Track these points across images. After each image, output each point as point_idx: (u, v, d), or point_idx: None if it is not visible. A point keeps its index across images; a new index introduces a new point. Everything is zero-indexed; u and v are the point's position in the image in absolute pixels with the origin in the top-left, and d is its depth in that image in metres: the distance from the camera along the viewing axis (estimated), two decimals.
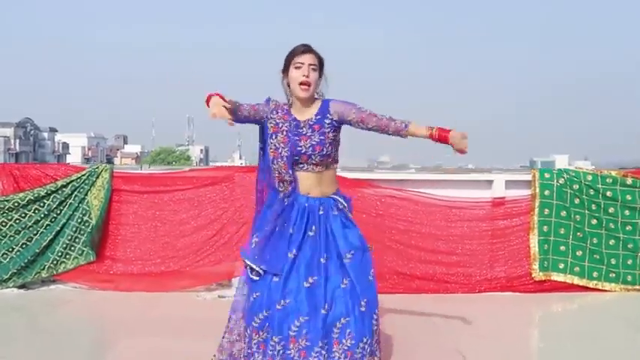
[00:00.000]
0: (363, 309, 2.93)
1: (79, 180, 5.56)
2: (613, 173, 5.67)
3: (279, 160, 3.07)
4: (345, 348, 2.90)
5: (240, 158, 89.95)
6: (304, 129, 3.08)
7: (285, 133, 3.08)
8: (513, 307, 5.23)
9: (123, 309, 5.04)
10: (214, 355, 3.20)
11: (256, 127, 3.16)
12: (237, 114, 2.96)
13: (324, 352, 2.89)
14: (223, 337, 3.16)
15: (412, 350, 3.85)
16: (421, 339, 4.09)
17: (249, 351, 2.96)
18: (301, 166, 3.08)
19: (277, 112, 3.11)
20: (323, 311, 2.90)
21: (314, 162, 3.07)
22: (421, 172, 6.44)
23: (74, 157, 77.69)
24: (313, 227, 3.04)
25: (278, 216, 3.08)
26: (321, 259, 3.00)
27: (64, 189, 5.55)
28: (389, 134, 3.10)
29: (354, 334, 2.89)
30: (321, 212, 3.09)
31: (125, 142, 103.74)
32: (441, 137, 2.96)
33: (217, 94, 2.87)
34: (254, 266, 2.99)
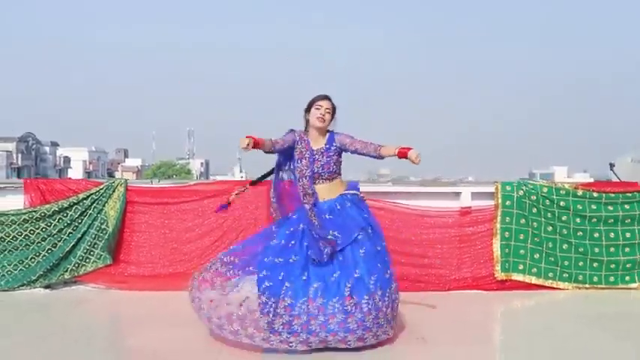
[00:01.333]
0: (357, 275, 3.96)
1: (97, 193, 5.98)
2: (566, 186, 6.15)
3: (304, 178, 4.25)
4: (355, 302, 3.86)
5: (241, 172, 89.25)
6: (317, 155, 4.28)
7: (307, 159, 4.26)
8: (478, 304, 5.68)
9: (136, 306, 5.46)
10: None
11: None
12: (275, 147, 4.14)
13: (337, 305, 3.83)
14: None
15: (388, 340, 4.15)
16: (397, 332, 4.35)
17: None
18: (317, 181, 4.28)
19: (301, 143, 4.28)
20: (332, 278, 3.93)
21: (324, 177, 4.29)
22: (397, 185, 6.94)
23: (75, 172, 76.30)
24: (332, 217, 4.19)
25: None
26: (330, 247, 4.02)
27: (84, 201, 5.96)
28: (370, 157, 4.24)
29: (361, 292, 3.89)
30: (338, 207, 4.24)
31: (126, 156, 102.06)
32: (401, 154, 4.07)
33: (250, 137, 3.93)
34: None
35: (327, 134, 4.34)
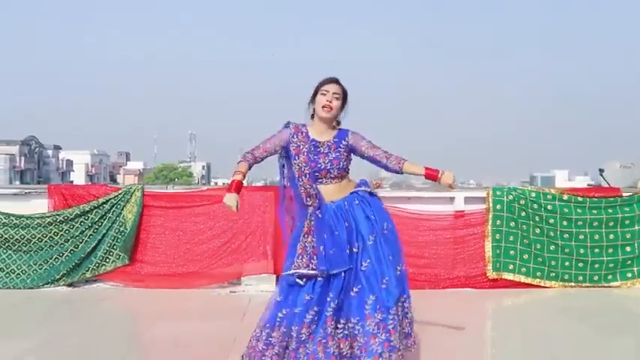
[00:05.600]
0: (384, 286, 3.34)
1: (116, 197, 6.34)
2: (552, 191, 6.52)
3: (304, 177, 3.49)
4: (378, 320, 3.28)
5: None
6: (322, 148, 3.51)
7: (305, 154, 3.49)
8: (471, 301, 5.98)
9: (153, 302, 5.78)
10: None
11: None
12: (257, 160, 3.53)
13: (358, 326, 3.29)
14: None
15: None
16: None
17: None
18: (321, 180, 3.50)
19: (297, 136, 3.53)
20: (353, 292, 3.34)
21: (332, 175, 3.51)
22: (395, 190, 7.31)
23: (78, 175, 76.34)
24: (346, 223, 3.44)
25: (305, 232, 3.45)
26: (355, 249, 3.40)
27: (104, 205, 6.31)
28: (388, 168, 3.58)
29: (381, 307, 3.29)
30: (346, 207, 3.49)
31: (128, 159, 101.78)
32: (429, 176, 3.55)
33: (232, 187, 3.44)
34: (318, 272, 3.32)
35: (338, 130, 3.62)
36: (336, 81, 3.58)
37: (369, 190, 3.60)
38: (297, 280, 3.36)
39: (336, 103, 3.53)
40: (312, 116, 3.60)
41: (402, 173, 3.59)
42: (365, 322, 3.30)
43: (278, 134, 3.58)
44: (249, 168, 3.56)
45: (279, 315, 3.39)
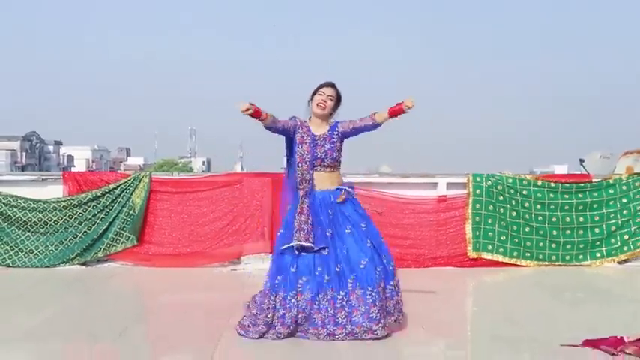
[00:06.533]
0: (362, 267, 3.90)
1: (126, 183, 6.77)
2: (528, 177, 6.96)
3: (304, 164, 4.08)
4: (358, 295, 3.84)
5: (242, 170, 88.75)
6: (319, 141, 4.10)
7: (307, 144, 4.08)
8: (453, 278, 6.39)
9: (159, 280, 6.15)
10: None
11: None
12: (275, 124, 4.00)
13: (345, 299, 3.87)
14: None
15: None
16: None
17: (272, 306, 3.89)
18: (317, 168, 4.09)
19: (302, 129, 4.12)
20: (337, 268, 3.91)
21: (326, 164, 4.10)
22: (383, 176, 7.70)
23: (78, 170, 76.44)
24: (329, 211, 4.06)
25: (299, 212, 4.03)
26: (328, 232, 3.99)
27: (115, 190, 6.74)
28: (369, 129, 4.11)
29: (361, 284, 3.86)
30: (332, 199, 4.09)
31: (128, 155, 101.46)
32: (393, 112, 4.01)
33: (255, 106, 3.82)
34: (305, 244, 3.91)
35: (331, 124, 4.18)
36: (332, 85, 4.17)
37: (351, 190, 4.21)
38: (295, 250, 3.93)
39: (329, 103, 4.14)
40: (309, 113, 4.20)
41: (380, 124, 4.11)
42: (349, 296, 3.87)
43: (290, 120, 4.14)
44: (269, 118, 3.95)
45: (275, 282, 3.95)
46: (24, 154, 70.58)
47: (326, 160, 4.11)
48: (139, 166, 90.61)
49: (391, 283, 4.02)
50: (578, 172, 9.03)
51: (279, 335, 3.89)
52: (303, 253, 3.95)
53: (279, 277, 3.95)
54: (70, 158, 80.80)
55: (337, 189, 4.14)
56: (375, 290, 3.86)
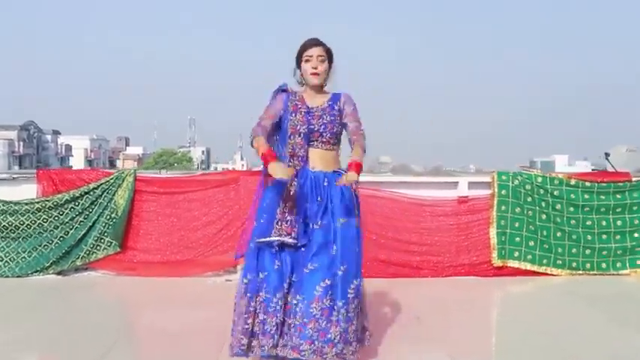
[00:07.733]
0: (340, 273, 3.21)
1: (107, 183, 6.16)
2: (560, 175, 6.35)
3: (297, 135, 3.38)
4: (325, 307, 3.15)
5: (242, 159, 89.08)
6: (315, 112, 3.41)
7: (302, 114, 3.39)
8: (476, 289, 5.86)
9: (145, 291, 5.66)
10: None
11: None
12: (268, 129, 3.36)
13: (301, 305, 3.18)
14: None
15: (387, 319, 4.45)
16: (394, 313, 4.63)
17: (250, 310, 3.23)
18: (312, 143, 3.39)
19: (294, 96, 3.47)
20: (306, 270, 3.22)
21: (324, 139, 3.39)
22: (397, 175, 7.17)
23: (77, 159, 76.23)
24: (319, 198, 3.33)
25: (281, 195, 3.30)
26: (316, 226, 3.29)
27: (95, 190, 6.13)
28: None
29: (334, 295, 3.17)
30: (325, 184, 3.35)
31: (127, 144, 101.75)
32: (349, 166, 3.24)
33: (269, 157, 3.15)
34: (286, 240, 3.24)
35: (332, 94, 3.52)
36: (318, 43, 3.46)
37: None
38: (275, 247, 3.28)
39: (322, 67, 3.43)
40: (302, 83, 3.51)
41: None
42: (311, 303, 3.18)
43: (275, 100, 3.49)
44: (263, 138, 3.31)
45: (244, 281, 3.30)
46: (21, 143, 70.64)
47: (324, 135, 3.40)
48: (138, 155, 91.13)
49: (339, 304, 3.22)
50: (595, 168, 8.31)
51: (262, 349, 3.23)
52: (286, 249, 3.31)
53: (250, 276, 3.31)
54: (69, 148, 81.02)
55: (334, 172, 3.40)
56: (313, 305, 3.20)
